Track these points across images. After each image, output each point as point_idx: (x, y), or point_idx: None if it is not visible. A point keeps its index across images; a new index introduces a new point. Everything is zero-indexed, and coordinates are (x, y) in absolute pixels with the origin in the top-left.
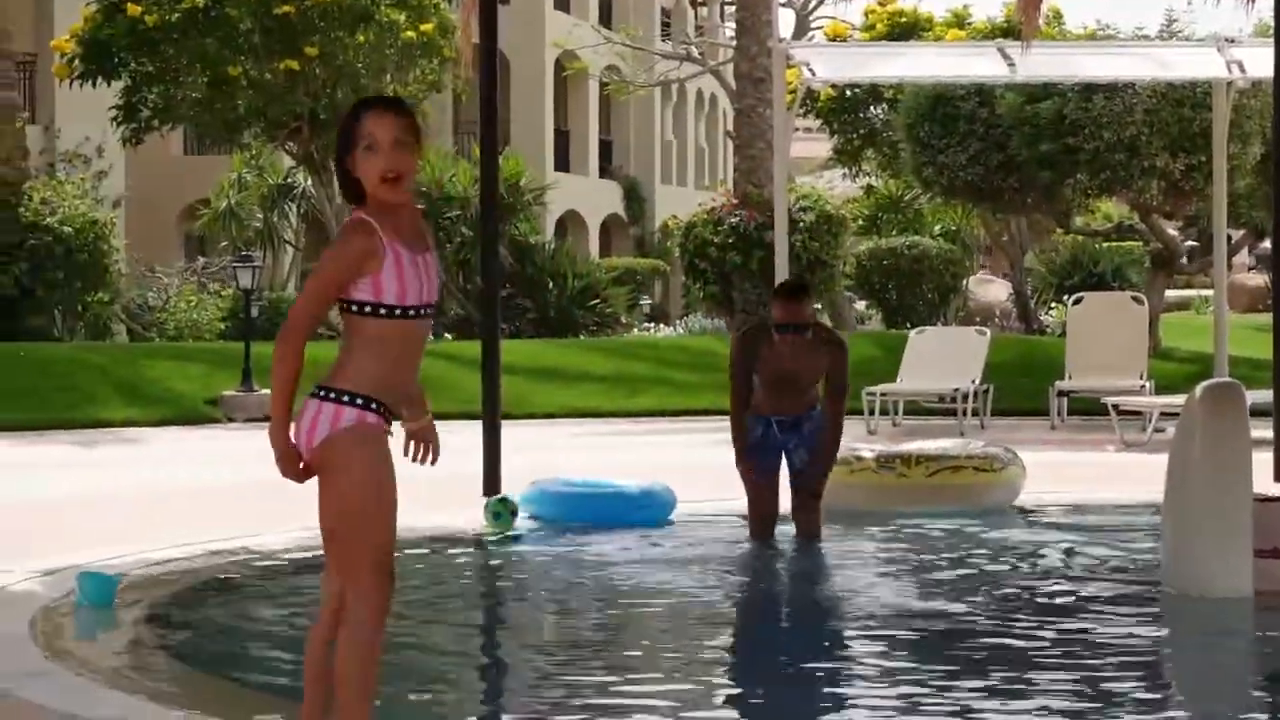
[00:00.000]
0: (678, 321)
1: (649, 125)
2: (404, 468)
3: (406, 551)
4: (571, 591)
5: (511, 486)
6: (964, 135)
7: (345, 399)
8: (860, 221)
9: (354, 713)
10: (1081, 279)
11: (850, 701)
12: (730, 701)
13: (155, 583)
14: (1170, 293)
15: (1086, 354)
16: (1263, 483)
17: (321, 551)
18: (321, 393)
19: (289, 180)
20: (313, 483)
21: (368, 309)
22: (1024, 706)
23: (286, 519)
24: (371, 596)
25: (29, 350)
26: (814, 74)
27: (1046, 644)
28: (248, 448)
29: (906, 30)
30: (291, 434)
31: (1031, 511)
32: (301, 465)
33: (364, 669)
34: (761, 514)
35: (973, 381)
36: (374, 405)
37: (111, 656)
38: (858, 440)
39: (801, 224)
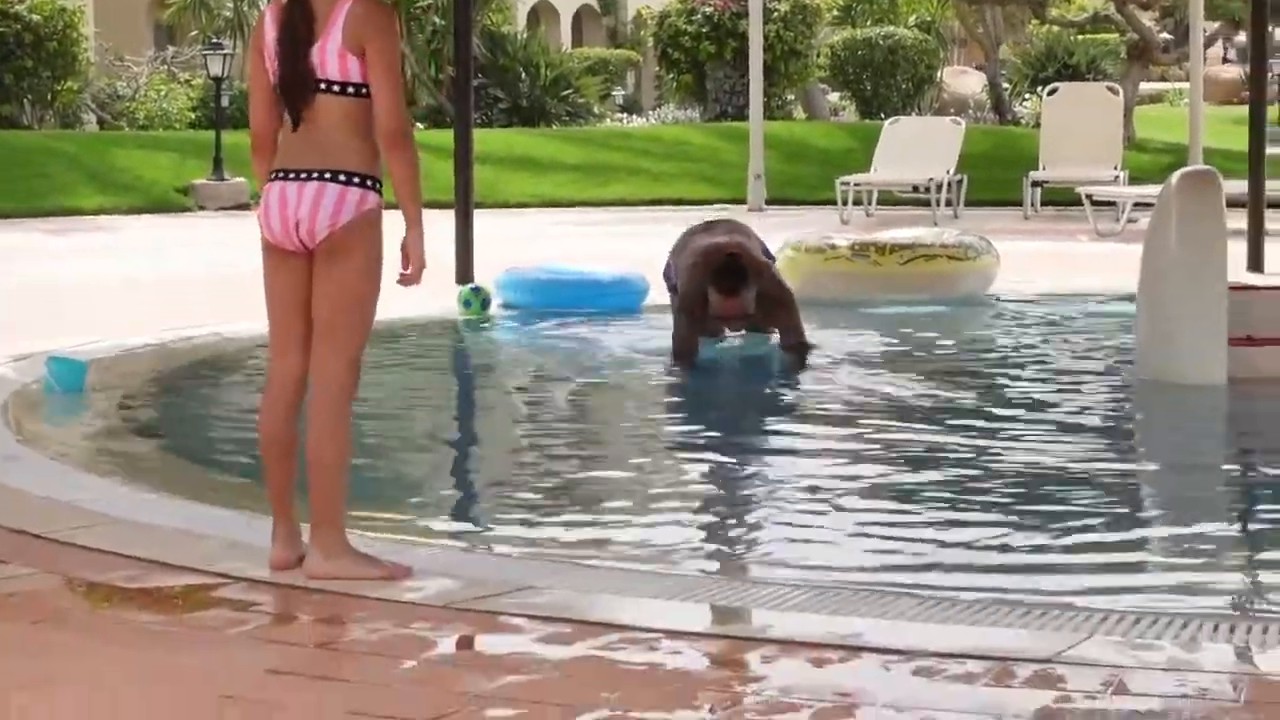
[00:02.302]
0: (650, 112)
1: None
2: None
3: (380, 338)
4: (542, 376)
5: (484, 275)
6: None
7: (369, 183)
8: (835, 11)
9: (335, 488)
10: (1056, 70)
11: (811, 484)
12: (698, 480)
13: (126, 368)
14: (1145, 85)
15: (1061, 145)
16: (1237, 272)
17: None
18: (342, 177)
19: None
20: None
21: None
22: (998, 490)
23: (258, 306)
24: (356, 373)
25: None
26: None
27: (1020, 430)
28: (219, 236)
29: None
30: (290, 213)
31: (1005, 300)
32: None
33: (347, 446)
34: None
35: (947, 171)
36: (380, 188)
37: (84, 441)
38: (831, 230)
39: (776, 13)
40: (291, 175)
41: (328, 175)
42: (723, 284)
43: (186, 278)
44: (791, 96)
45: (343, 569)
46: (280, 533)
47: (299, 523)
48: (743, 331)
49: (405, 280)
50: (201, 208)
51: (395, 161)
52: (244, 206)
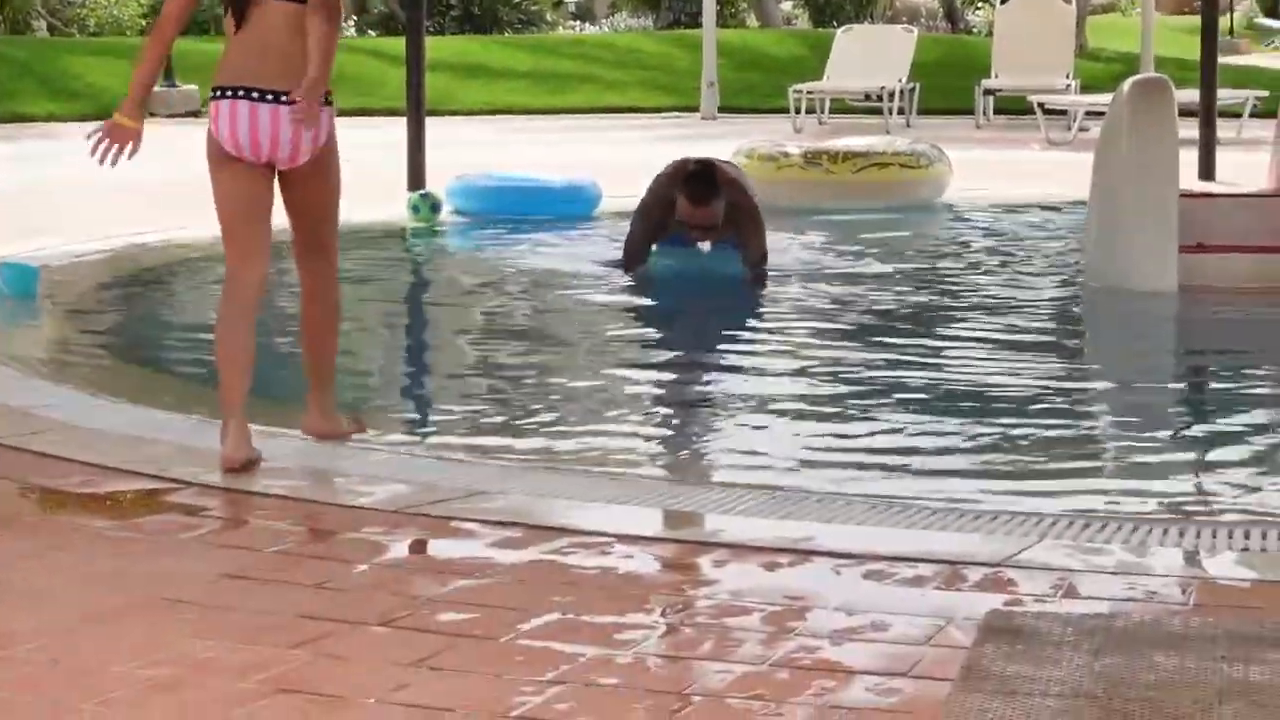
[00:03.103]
0: (603, 20)
1: None
2: None
3: None
4: (491, 284)
5: (436, 182)
6: None
7: (329, 96)
8: None
9: (334, 355)
10: None
11: (763, 391)
12: (650, 387)
13: (78, 274)
14: None
15: (1013, 53)
16: (1188, 180)
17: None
18: (326, 98)
19: None
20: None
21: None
22: (948, 398)
23: (208, 214)
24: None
25: None
26: None
27: (970, 338)
28: (172, 144)
29: None
30: (264, 137)
31: (957, 208)
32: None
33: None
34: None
35: (899, 80)
36: None
37: (35, 347)
38: (784, 138)
39: None
40: (264, 96)
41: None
42: (693, 190)
43: (138, 184)
44: (744, 4)
45: (338, 425)
46: (233, 432)
47: (248, 423)
48: (708, 244)
49: (297, 112)
50: (152, 114)
51: (327, 29)
52: (195, 114)
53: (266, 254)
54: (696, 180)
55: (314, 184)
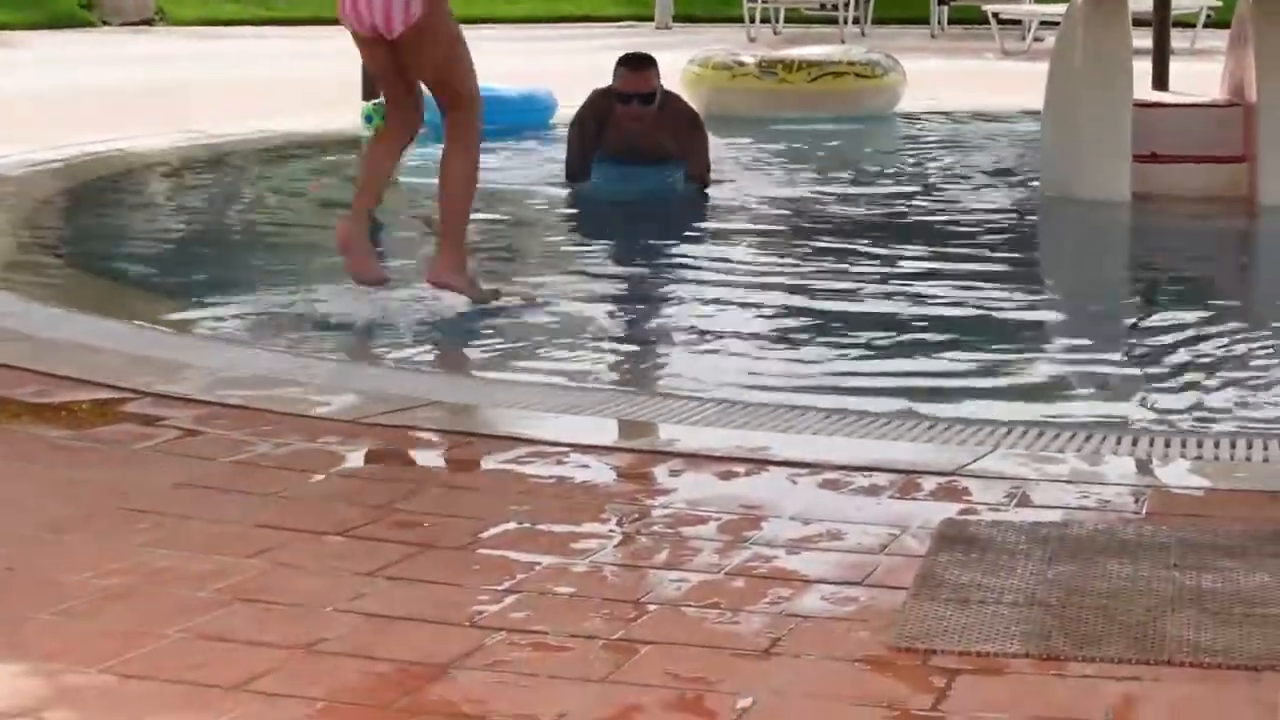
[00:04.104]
0: None
1: None
2: (282, 71)
3: (287, 152)
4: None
5: None
6: None
7: None
8: None
9: (462, 221)
10: None
11: (717, 303)
12: (602, 299)
13: (30, 184)
14: None
15: None
16: (1142, 89)
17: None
18: None
19: None
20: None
21: None
22: (900, 309)
23: (162, 123)
24: (477, 107)
25: None
26: None
27: (923, 248)
28: (124, 52)
29: None
30: (366, 15)
31: (911, 117)
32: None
33: (474, 185)
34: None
35: None
36: None
37: None
38: (739, 47)
39: None
40: None
41: None
42: (629, 60)
43: (90, 93)
44: None
45: (465, 283)
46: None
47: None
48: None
49: None
50: (105, 22)
51: None
52: (148, 21)
53: (406, 106)
54: (631, 56)
55: (417, 52)
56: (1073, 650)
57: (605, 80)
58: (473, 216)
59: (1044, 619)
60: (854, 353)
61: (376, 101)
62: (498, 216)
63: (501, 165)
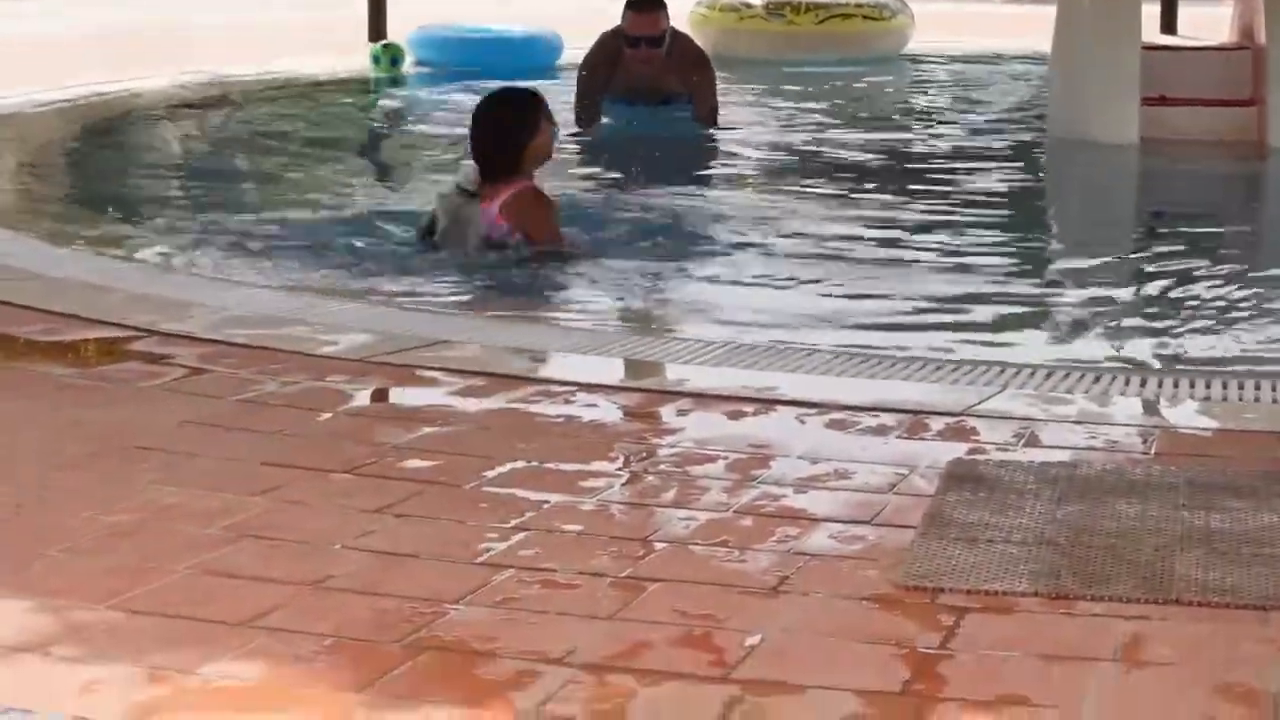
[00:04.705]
0: None
1: None
2: (285, 11)
3: (295, 94)
4: (451, 135)
5: (397, 33)
6: None
7: None
8: None
9: None
10: None
11: (725, 242)
12: (610, 239)
13: (35, 124)
14: None
15: None
16: (1150, 33)
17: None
18: None
19: None
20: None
21: None
22: (909, 249)
23: (168, 64)
24: None
25: None
26: None
27: (932, 189)
28: None
29: None
30: None
31: (919, 60)
32: None
33: None
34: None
35: None
36: None
37: None
38: None
39: None
40: None
41: None
42: (638, 4)
43: (96, 34)
44: None
45: None
46: None
47: None
48: (657, 104)
49: None
50: None
51: None
52: None
53: None
54: (638, 1)
55: None
56: (1081, 589)
57: (612, 22)
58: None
59: (1052, 558)
60: (861, 293)
61: (385, 43)
62: None
63: None
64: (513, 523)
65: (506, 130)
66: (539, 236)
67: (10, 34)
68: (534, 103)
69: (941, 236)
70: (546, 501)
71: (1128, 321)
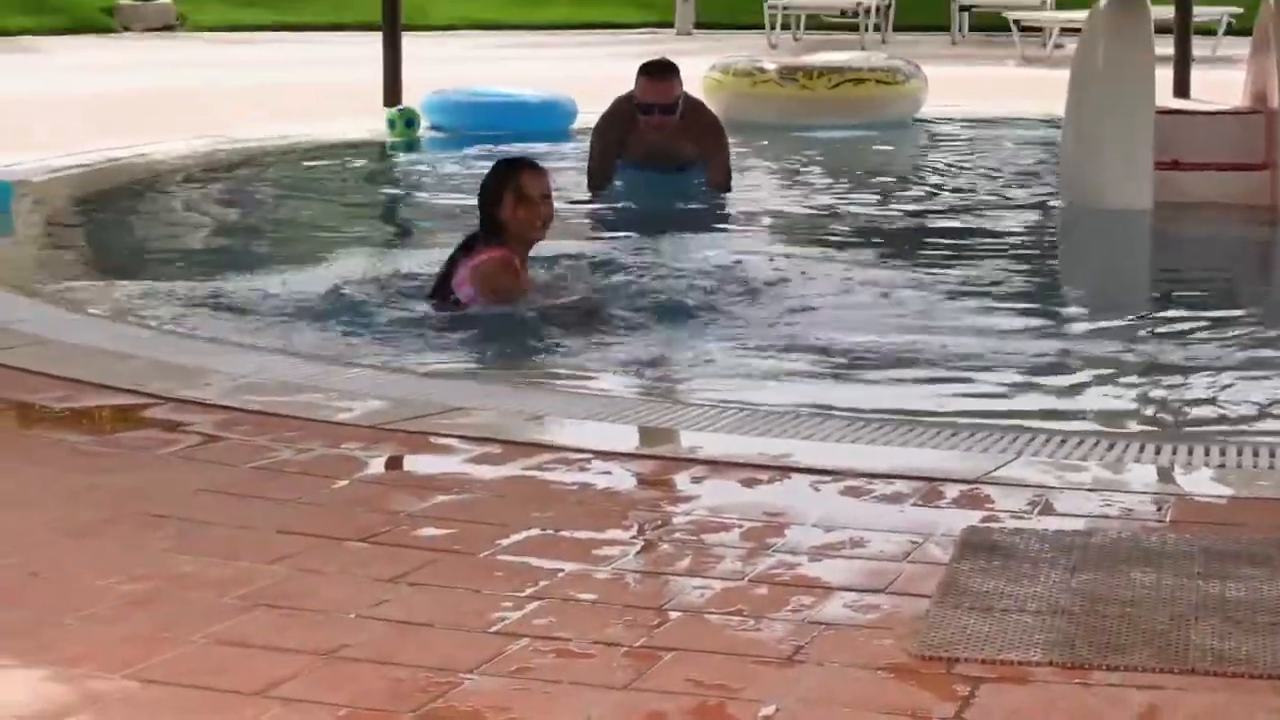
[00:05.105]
0: None
1: None
2: (304, 77)
3: (310, 157)
4: (465, 200)
5: (412, 97)
6: None
7: None
8: None
9: None
10: None
11: (738, 306)
12: (624, 303)
13: (52, 189)
14: None
15: None
16: (1163, 97)
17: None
18: None
19: None
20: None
21: None
22: (923, 314)
23: (184, 128)
24: None
25: None
26: None
27: (945, 254)
28: (145, 58)
29: None
30: None
31: (933, 124)
32: None
33: None
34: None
35: None
36: None
37: (10, 262)
38: (760, 54)
39: None
40: None
41: None
42: (650, 68)
43: (112, 99)
44: None
45: None
46: None
47: None
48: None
49: None
50: (126, 29)
51: None
52: (169, 27)
53: None
54: (652, 64)
55: None
56: (1096, 659)
57: (626, 87)
58: None
59: (1068, 627)
60: (874, 356)
61: (401, 107)
62: None
63: None
64: (527, 591)
65: (481, 196)
66: (489, 302)
67: (24, 96)
68: (503, 174)
69: (955, 301)
70: (561, 570)
71: (1142, 387)
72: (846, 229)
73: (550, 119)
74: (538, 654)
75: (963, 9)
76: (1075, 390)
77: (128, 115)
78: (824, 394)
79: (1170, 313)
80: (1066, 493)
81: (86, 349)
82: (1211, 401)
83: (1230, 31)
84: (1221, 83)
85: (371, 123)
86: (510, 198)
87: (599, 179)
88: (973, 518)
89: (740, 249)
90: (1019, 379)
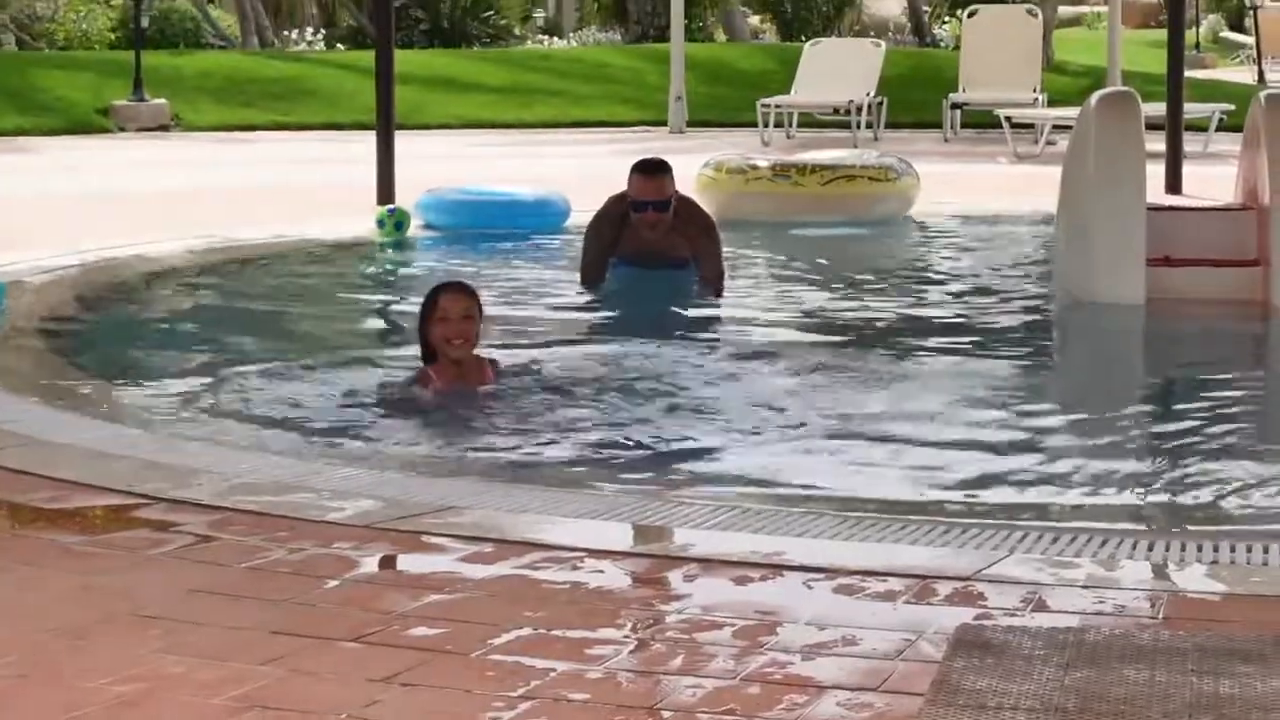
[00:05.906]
0: (572, 34)
1: None
2: (298, 177)
3: (295, 259)
4: None
5: (406, 196)
6: None
7: None
8: None
9: None
10: None
11: (731, 403)
12: (616, 400)
13: (45, 289)
14: (1064, 7)
15: (980, 67)
16: (1155, 194)
17: (219, 257)
18: None
19: None
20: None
21: None
22: (916, 410)
23: (177, 228)
24: None
25: None
26: None
27: (938, 350)
28: (140, 158)
29: None
30: None
31: (925, 221)
32: None
33: None
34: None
35: (867, 94)
36: None
37: (2, 362)
38: (753, 151)
39: None
40: None
41: None
42: (643, 166)
43: (106, 198)
44: (713, 18)
45: None
46: None
47: None
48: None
49: None
50: (121, 129)
51: None
52: (164, 128)
53: None
54: (645, 162)
55: None
56: None
57: (619, 185)
58: (487, 316)
59: None
60: (866, 453)
61: (391, 207)
62: (509, 314)
63: (516, 268)
64: (519, 691)
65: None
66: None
67: (18, 195)
68: (429, 296)
69: (947, 397)
70: (553, 670)
71: (1134, 483)
72: (838, 327)
73: (544, 217)
74: None
75: (954, 107)
76: (1068, 486)
77: (123, 215)
78: (816, 490)
79: (1162, 409)
80: (1059, 590)
81: (78, 449)
82: (1204, 497)
83: (1222, 127)
84: (1213, 178)
85: (365, 222)
86: (432, 318)
87: (592, 276)
88: (966, 615)
89: (732, 346)
90: (1011, 475)
